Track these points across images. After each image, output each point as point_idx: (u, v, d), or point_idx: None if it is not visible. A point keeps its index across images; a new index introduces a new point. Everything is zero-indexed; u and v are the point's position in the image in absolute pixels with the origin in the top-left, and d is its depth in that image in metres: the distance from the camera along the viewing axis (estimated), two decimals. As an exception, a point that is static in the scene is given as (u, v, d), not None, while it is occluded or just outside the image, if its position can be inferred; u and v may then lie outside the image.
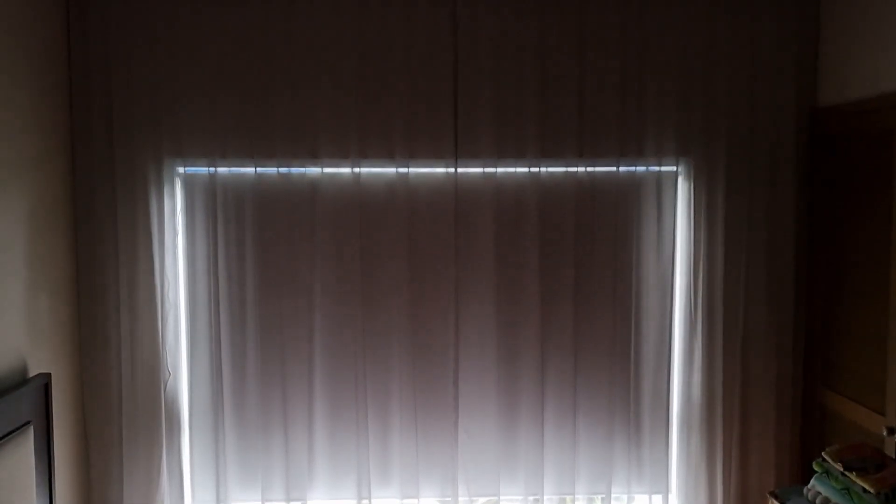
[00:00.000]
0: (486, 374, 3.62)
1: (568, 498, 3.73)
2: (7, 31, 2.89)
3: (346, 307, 3.56)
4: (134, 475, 3.51)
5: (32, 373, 2.99)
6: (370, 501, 3.61)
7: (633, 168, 3.58)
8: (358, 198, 3.51)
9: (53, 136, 3.27)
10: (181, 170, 3.54)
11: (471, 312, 3.59)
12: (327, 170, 3.51)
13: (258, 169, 3.50)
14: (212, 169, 3.49)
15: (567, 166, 3.54)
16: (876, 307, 3.11)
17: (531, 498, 3.67)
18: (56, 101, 3.30)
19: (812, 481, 2.95)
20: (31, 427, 2.81)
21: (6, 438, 2.62)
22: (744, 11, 3.51)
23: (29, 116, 3.05)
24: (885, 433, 2.99)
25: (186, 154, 3.47)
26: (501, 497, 3.67)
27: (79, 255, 3.45)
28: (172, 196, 3.53)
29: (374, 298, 3.57)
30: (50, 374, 3.01)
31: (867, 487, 2.63)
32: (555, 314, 3.59)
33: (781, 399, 3.63)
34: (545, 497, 3.67)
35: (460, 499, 3.66)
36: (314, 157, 3.49)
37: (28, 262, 3.01)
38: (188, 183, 3.55)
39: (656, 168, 3.60)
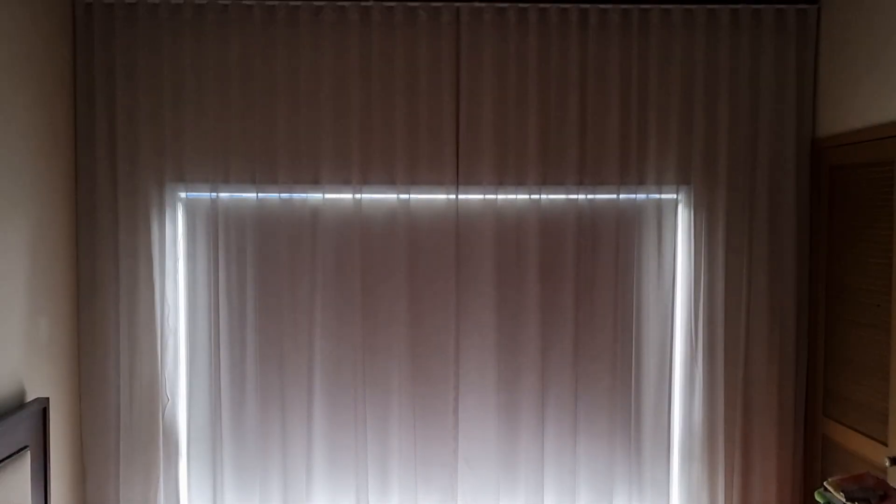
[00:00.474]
0: (485, 400, 3.60)
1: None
2: (13, 59, 2.92)
3: (346, 332, 3.55)
4: (131, 501, 3.48)
5: (30, 397, 2.98)
6: None
7: (633, 196, 3.59)
8: (359, 224, 3.52)
9: (56, 162, 3.29)
10: (183, 195, 3.55)
11: (471, 338, 3.59)
12: (329, 196, 3.52)
13: (260, 194, 3.51)
14: (213, 194, 3.50)
15: (567, 194, 3.55)
16: (877, 336, 3.10)
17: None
18: (59, 128, 3.32)
19: (814, 512, 2.93)
20: (28, 452, 2.79)
21: (2, 463, 2.60)
22: (744, 42, 3.54)
23: (32, 143, 3.07)
24: (887, 463, 2.96)
25: (188, 179, 3.49)
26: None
27: (79, 280, 3.45)
28: (174, 221, 3.54)
29: (375, 324, 3.57)
30: (48, 398, 3.00)
31: (870, 518, 2.60)
32: (555, 341, 3.59)
33: (783, 428, 3.61)
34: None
35: None
36: (316, 182, 3.51)
37: (29, 286, 3.01)
38: (190, 208, 3.57)
39: (657, 196, 3.61)
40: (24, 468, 2.74)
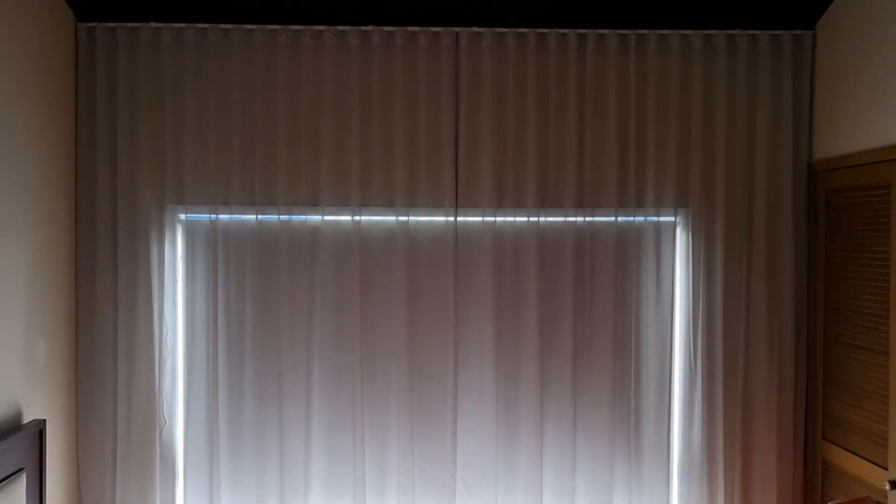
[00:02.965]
0: (484, 421, 3.59)
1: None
2: (14, 81, 2.94)
3: (344, 353, 3.55)
4: (127, 524, 3.46)
5: (27, 419, 2.97)
6: None
7: (631, 218, 3.61)
8: (358, 245, 3.53)
9: (56, 183, 3.30)
10: (182, 216, 3.56)
11: (469, 360, 3.58)
12: (328, 217, 3.53)
13: (259, 216, 3.52)
14: (213, 216, 3.51)
15: (566, 216, 3.57)
16: (876, 360, 3.10)
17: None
18: (60, 150, 3.34)
19: (815, 536, 2.91)
20: (24, 474, 2.77)
21: (-1, 485, 2.58)
22: (741, 67, 3.57)
23: (33, 164, 3.09)
24: (887, 487, 2.95)
25: (188, 201, 3.50)
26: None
27: (78, 301, 3.45)
28: (173, 243, 3.55)
29: (373, 345, 3.56)
30: (45, 420, 2.99)
31: (871, 543, 2.59)
32: (554, 361, 3.58)
33: (782, 452, 3.59)
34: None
35: None
36: (315, 204, 3.52)
37: (27, 307, 3.01)
38: (189, 230, 3.58)
39: (655, 218, 3.62)
40: (19, 490, 2.72)
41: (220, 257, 3.52)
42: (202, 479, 3.55)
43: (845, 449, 3.33)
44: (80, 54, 3.44)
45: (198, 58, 3.47)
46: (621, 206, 3.58)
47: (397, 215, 3.54)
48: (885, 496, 2.96)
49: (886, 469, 3.01)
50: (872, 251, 3.14)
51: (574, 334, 3.57)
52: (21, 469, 2.76)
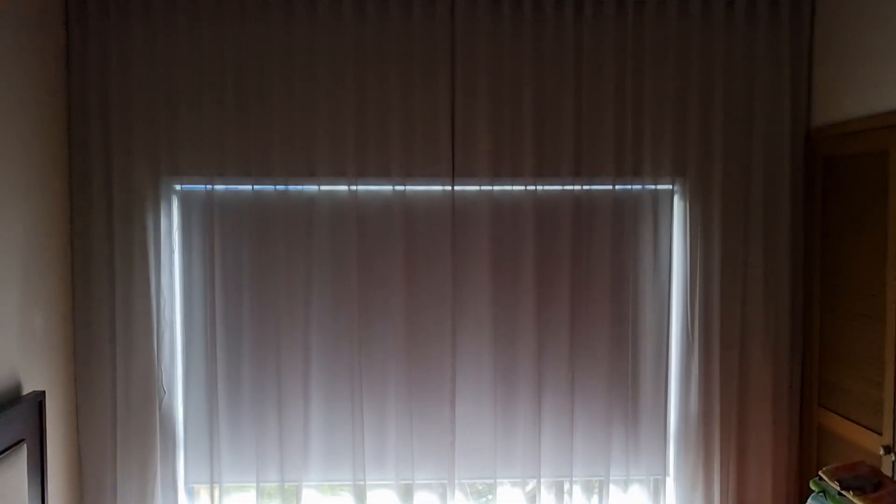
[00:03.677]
0: (481, 387, 3.61)
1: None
2: (4, 51, 2.90)
3: (342, 322, 3.55)
4: (128, 494, 3.48)
5: (27, 390, 2.98)
6: (365, 483, 3.60)
7: (629, 186, 3.60)
8: (355, 215, 3.52)
9: (50, 154, 3.27)
10: (178, 187, 3.55)
11: (467, 328, 3.59)
12: (324, 187, 3.52)
13: (255, 186, 3.50)
14: (209, 186, 3.49)
15: (563, 185, 3.55)
16: (872, 326, 3.12)
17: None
18: (53, 120, 3.31)
19: (809, 500, 2.94)
20: (25, 445, 2.78)
21: (-1, 457, 2.60)
22: (739, 33, 3.54)
23: (26, 135, 3.05)
24: (881, 452, 2.98)
25: (183, 172, 3.48)
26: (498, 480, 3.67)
27: (74, 273, 3.44)
28: (169, 214, 3.53)
29: (371, 313, 3.56)
30: (44, 391, 3.00)
31: (865, 507, 2.62)
32: (551, 330, 3.59)
33: (778, 418, 3.62)
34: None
35: (457, 481, 3.64)
36: (311, 174, 3.50)
37: (23, 279, 3.00)
38: (185, 201, 3.56)
39: (652, 187, 3.61)
40: (20, 462, 2.73)
41: (216, 228, 3.51)
42: (202, 449, 3.57)
43: (840, 415, 3.36)
44: (71, 23, 3.39)
45: (190, 28, 3.42)
46: (618, 174, 3.56)
47: (394, 185, 3.52)
48: (880, 461, 2.99)
49: (881, 434, 3.04)
50: (869, 218, 3.13)
51: (571, 303, 3.58)
52: (21, 440, 2.77)
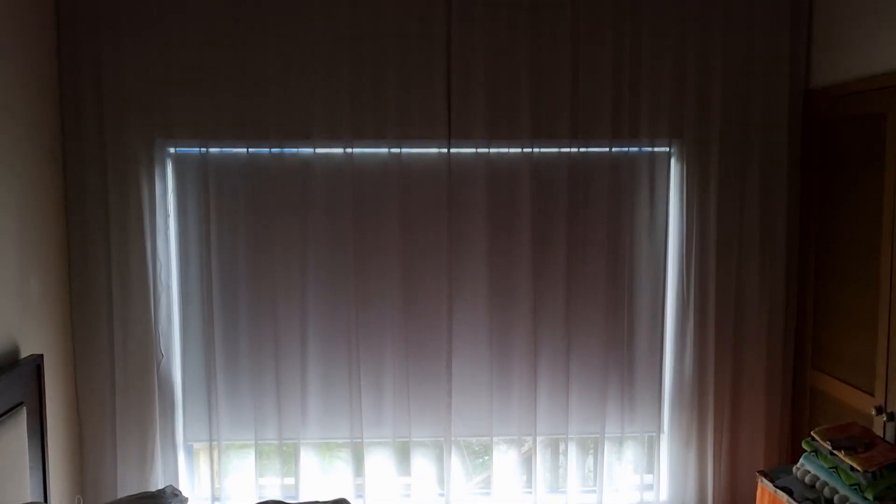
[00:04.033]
0: (477, 351, 3.63)
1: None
2: (-5, 10, 2.86)
3: (339, 284, 3.56)
4: (127, 455, 3.52)
5: (25, 354, 2.99)
6: (362, 441, 3.64)
7: (626, 149, 3.58)
8: (351, 177, 3.50)
9: (42, 118, 3.24)
10: (172, 150, 3.52)
11: (463, 292, 3.60)
12: (320, 150, 3.49)
13: (250, 149, 3.48)
14: (203, 149, 3.47)
15: (560, 147, 3.53)
16: (866, 289, 3.13)
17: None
18: (45, 83, 3.27)
19: (801, 460, 2.99)
20: (24, 408, 2.80)
21: (-1, 419, 2.61)
22: (738, -6, 3.50)
23: (16, 99, 3.01)
24: (873, 413, 3.02)
25: (177, 135, 3.45)
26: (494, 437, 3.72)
27: (70, 238, 3.43)
28: (163, 177, 3.51)
29: (367, 276, 3.57)
30: (42, 355, 3.01)
31: (855, 466, 2.66)
32: (547, 292, 3.60)
33: (772, 380, 3.66)
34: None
35: (453, 438, 3.68)
36: (307, 137, 3.48)
37: (19, 244, 2.99)
38: (179, 164, 3.54)
39: (649, 149, 3.59)
40: (20, 425, 2.75)
41: (211, 191, 3.50)
42: (201, 411, 3.60)
43: (833, 377, 3.39)
44: (61, -17, 3.34)
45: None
46: (615, 136, 3.54)
47: (389, 147, 3.50)
48: (871, 421, 3.03)
49: (873, 395, 3.07)
50: (866, 181, 3.13)
51: (567, 265, 3.58)
52: (21, 403, 2.79)
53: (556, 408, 3.67)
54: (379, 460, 3.70)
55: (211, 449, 3.62)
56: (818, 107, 3.49)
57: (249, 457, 3.65)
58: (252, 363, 3.58)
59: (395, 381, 3.62)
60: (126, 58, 3.37)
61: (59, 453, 3.29)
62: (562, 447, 3.77)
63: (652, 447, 3.78)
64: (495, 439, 3.71)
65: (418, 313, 3.60)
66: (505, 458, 3.75)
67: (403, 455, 3.71)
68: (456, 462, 3.71)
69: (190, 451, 3.71)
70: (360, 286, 3.56)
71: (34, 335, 3.10)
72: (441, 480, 3.72)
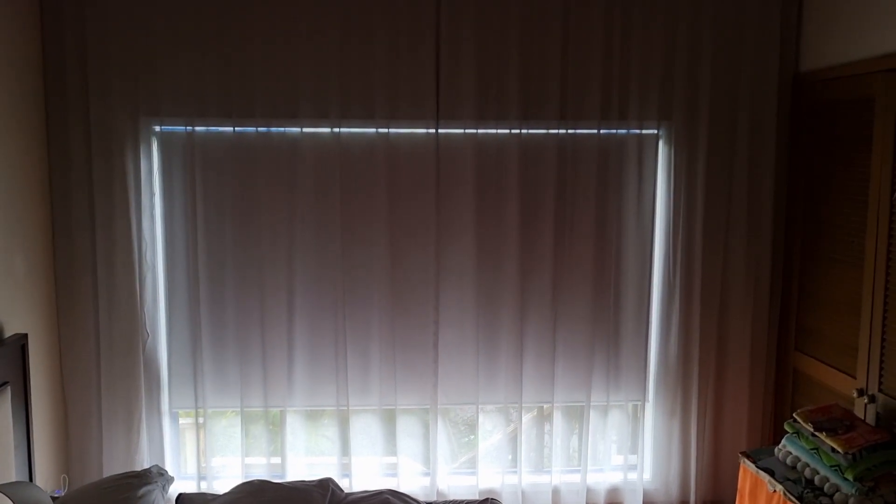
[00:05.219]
0: (464, 334, 3.64)
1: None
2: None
3: (327, 265, 3.55)
4: (113, 434, 3.52)
5: (9, 333, 2.97)
6: (348, 408, 3.65)
7: (614, 130, 3.57)
8: (338, 157, 3.48)
9: (26, 96, 3.20)
10: (158, 129, 3.48)
11: (451, 274, 3.60)
12: (307, 129, 3.47)
13: (237, 128, 3.45)
14: (189, 128, 3.44)
15: (548, 129, 3.52)
16: (851, 273, 3.15)
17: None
18: (29, 60, 3.22)
19: (783, 441, 3.02)
20: (9, 388, 2.79)
21: (-17, 399, 2.60)
22: (728, -24, 3.49)
23: None
24: (855, 395, 3.05)
25: (163, 113, 3.42)
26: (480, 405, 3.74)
27: (54, 216, 3.40)
28: (149, 156, 3.48)
29: (355, 257, 3.56)
30: (26, 334, 2.99)
31: (836, 447, 2.69)
32: (535, 272, 3.61)
33: (755, 362, 3.69)
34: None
35: (439, 406, 3.70)
36: (294, 116, 3.45)
37: (3, 223, 2.96)
38: (165, 142, 3.50)
39: (637, 131, 3.59)
40: (4, 404, 2.74)
41: (197, 170, 3.47)
42: (187, 390, 3.60)
43: (816, 359, 3.42)
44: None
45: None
46: (604, 118, 3.54)
47: (377, 127, 3.48)
48: (853, 403, 3.07)
49: (855, 378, 3.10)
50: (853, 164, 3.14)
51: (555, 247, 3.59)
52: (5, 383, 2.78)
53: (541, 390, 3.69)
54: (365, 440, 3.71)
55: (196, 426, 3.62)
56: (807, 90, 3.50)
57: (236, 434, 3.65)
58: (238, 344, 3.57)
59: (381, 349, 3.62)
60: (111, 36, 3.32)
61: (44, 432, 3.28)
62: (546, 427, 3.79)
63: (636, 429, 3.81)
64: (481, 418, 3.73)
65: (405, 297, 3.60)
66: (490, 437, 3.77)
67: (389, 424, 3.70)
68: (442, 441, 3.73)
69: (176, 426, 3.70)
70: (347, 268, 3.55)
71: (19, 314, 3.08)
72: (427, 459, 3.73)
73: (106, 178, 3.39)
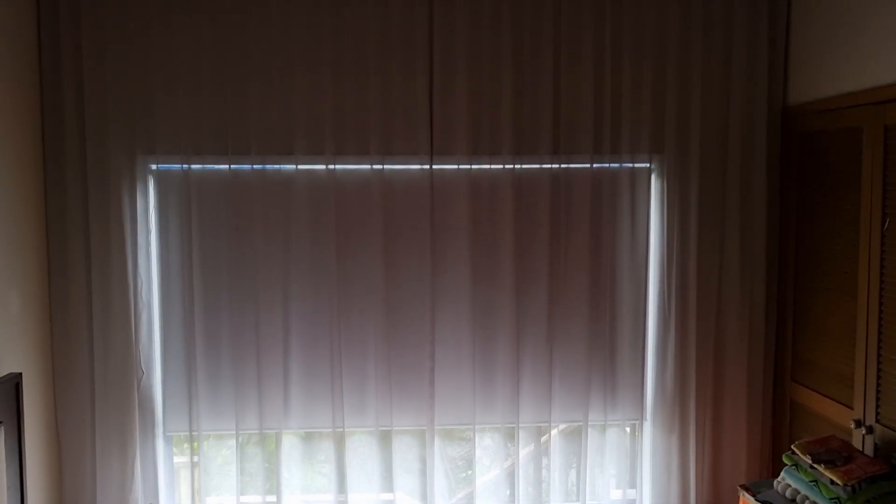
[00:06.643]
0: (460, 366, 3.64)
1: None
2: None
3: (321, 302, 3.55)
4: (107, 475, 3.48)
5: (3, 372, 2.95)
6: (344, 430, 3.62)
7: (606, 164, 3.60)
8: (333, 194, 3.50)
9: (24, 133, 3.22)
10: (154, 167, 3.51)
11: (446, 308, 3.61)
12: (302, 166, 3.50)
13: (232, 165, 3.47)
14: (185, 166, 3.46)
15: (542, 163, 3.56)
16: (844, 302, 3.16)
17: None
18: (26, 97, 3.25)
19: (782, 474, 3.01)
20: (2, 427, 2.77)
21: (-24, 439, 2.58)
22: (717, 10, 3.54)
23: (-2, 113, 3.01)
24: (852, 426, 3.04)
25: (159, 151, 3.44)
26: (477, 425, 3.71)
27: (50, 254, 3.41)
28: (145, 194, 3.50)
29: (350, 293, 3.56)
30: (21, 373, 2.97)
31: (835, 479, 2.68)
32: (530, 307, 3.61)
33: (752, 393, 3.68)
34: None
35: (436, 427, 3.67)
36: (289, 153, 3.48)
37: (-2, 260, 2.97)
38: (161, 180, 3.53)
39: (630, 164, 3.62)
40: (-2, 444, 2.72)
41: (193, 208, 3.48)
42: (181, 426, 3.57)
43: (813, 389, 3.42)
44: (43, 2, 3.32)
45: (166, 5, 3.37)
46: (596, 152, 3.57)
47: (372, 163, 3.51)
48: (850, 434, 3.05)
49: (852, 408, 3.09)
50: (844, 195, 3.17)
51: (550, 279, 3.60)
52: (-1, 422, 2.76)
53: (538, 416, 3.67)
54: (361, 475, 3.67)
55: (192, 464, 3.59)
56: (796, 121, 3.54)
57: (231, 472, 3.62)
58: (234, 382, 3.55)
59: (377, 371, 3.60)
60: (108, 72, 3.36)
61: (37, 472, 3.25)
62: (544, 461, 3.77)
63: (634, 463, 3.78)
64: (478, 453, 3.70)
65: (400, 333, 3.60)
66: (488, 472, 3.74)
67: (386, 453, 3.66)
68: (440, 477, 3.70)
69: (171, 464, 3.67)
70: (342, 307, 3.55)
71: (13, 353, 3.07)
72: (424, 494, 3.70)
73: (102, 217, 3.40)
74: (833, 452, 2.82)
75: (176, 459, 3.69)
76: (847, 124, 3.14)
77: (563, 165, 3.57)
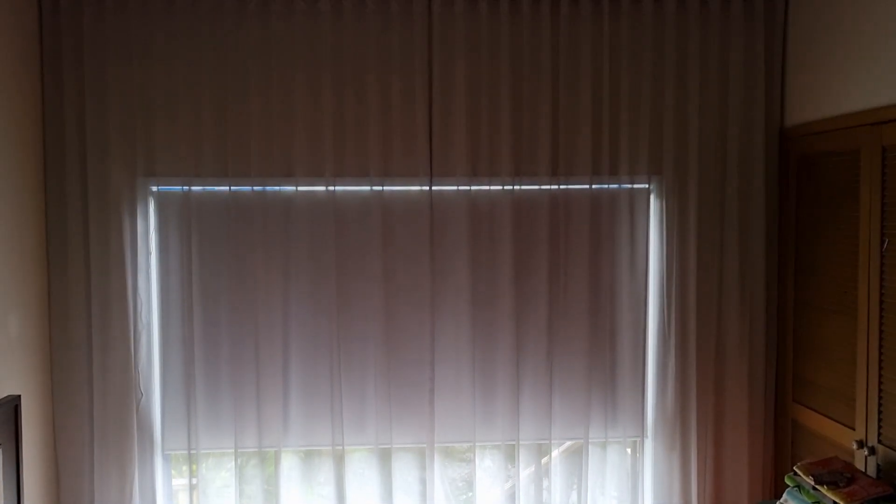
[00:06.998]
0: (460, 387, 3.62)
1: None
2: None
3: (321, 323, 3.54)
4: (105, 497, 3.46)
5: (2, 394, 2.95)
6: (343, 448, 3.60)
7: (605, 185, 3.62)
8: (333, 215, 3.51)
9: (24, 155, 3.24)
10: (154, 188, 3.52)
11: (445, 330, 3.60)
12: (302, 188, 3.51)
13: (233, 187, 3.49)
14: (186, 188, 3.47)
15: (541, 185, 3.57)
16: (845, 323, 3.16)
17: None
18: (28, 119, 3.27)
19: (784, 495, 2.99)
20: (0, 449, 2.76)
21: (-26, 462, 2.57)
22: (713, 32, 3.57)
23: None
24: (854, 447, 3.03)
25: (160, 173, 3.46)
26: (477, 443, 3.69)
27: (50, 275, 3.41)
28: (145, 215, 3.50)
29: (350, 314, 3.56)
30: (20, 395, 2.97)
31: (838, 501, 2.66)
32: (529, 329, 3.61)
33: (754, 414, 3.66)
34: None
35: (436, 444, 3.65)
36: (289, 175, 3.49)
37: (-2, 282, 2.97)
38: (161, 202, 3.54)
39: (629, 186, 3.64)
40: (-4, 467, 2.71)
41: (193, 229, 3.49)
42: (181, 447, 3.56)
43: (814, 410, 3.41)
44: (44, 22, 3.35)
45: (166, 24, 3.40)
46: (595, 173, 3.58)
47: (372, 185, 3.52)
48: (853, 455, 3.04)
49: (854, 429, 3.08)
50: (842, 216, 3.17)
51: (550, 299, 3.60)
52: (-3, 445, 2.75)
53: (538, 437, 3.65)
54: (361, 500, 3.65)
55: (190, 487, 3.57)
56: (794, 143, 3.56)
57: (230, 495, 3.59)
58: (234, 404, 3.53)
59: (376, 388, 3.58)
60: (109, 94, 3.38)
61: (35, 494, 3.23)
62: (545, 483, 3.74)
63: (636, 483, 3.76)
64: (479, 474, 3.68)
65: (400, 356, 3.59)
66: (488, 494, 3.72)
67: (385, 474, 3.64)
68: (440, 500, 3.67)
69: (170, 487, 3.64)
70: (342, 327, 3.54)
71: (12, 375, 3.07)
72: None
73: (102, 238, 3.41)
74: (836, 474, 2.80)
75: (175, 482, 3.67)
76: (845, 145, 3.15)
77: (562, 186, 3.59)
